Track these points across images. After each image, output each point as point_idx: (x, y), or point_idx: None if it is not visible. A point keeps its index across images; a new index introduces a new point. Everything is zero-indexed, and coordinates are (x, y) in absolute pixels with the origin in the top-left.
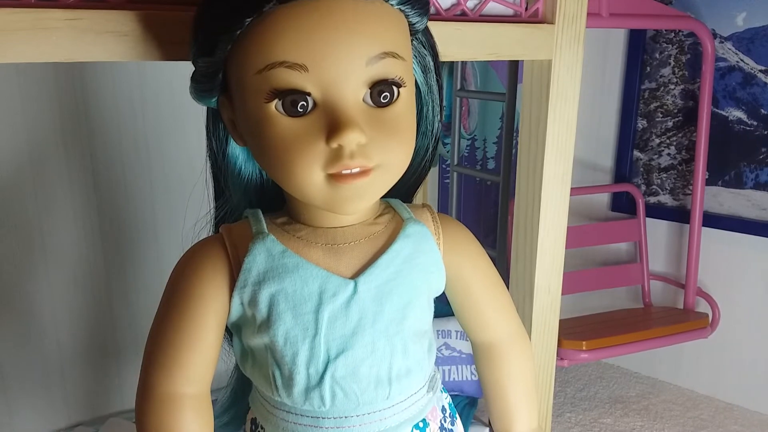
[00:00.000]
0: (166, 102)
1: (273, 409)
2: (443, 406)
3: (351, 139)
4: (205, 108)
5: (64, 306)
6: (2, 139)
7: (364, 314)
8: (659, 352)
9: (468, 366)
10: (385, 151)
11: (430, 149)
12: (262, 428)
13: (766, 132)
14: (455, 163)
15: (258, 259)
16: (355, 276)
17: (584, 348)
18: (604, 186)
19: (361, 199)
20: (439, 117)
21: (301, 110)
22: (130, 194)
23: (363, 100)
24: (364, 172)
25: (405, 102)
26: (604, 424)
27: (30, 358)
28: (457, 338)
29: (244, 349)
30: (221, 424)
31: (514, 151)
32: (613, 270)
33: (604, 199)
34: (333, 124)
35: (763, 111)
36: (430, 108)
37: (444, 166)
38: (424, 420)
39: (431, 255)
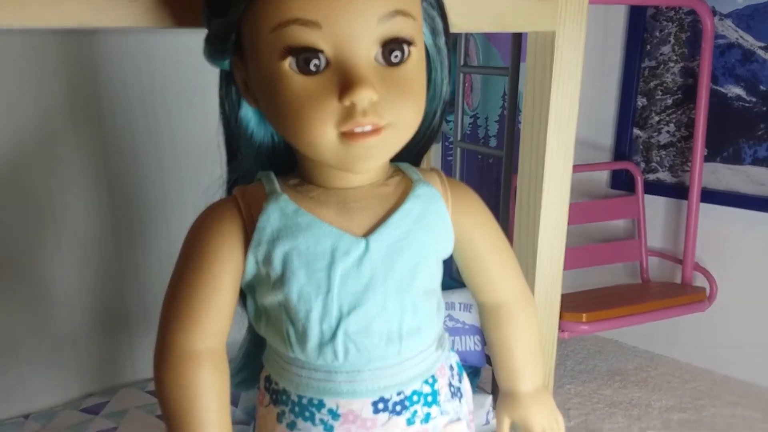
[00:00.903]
0: (174, 74)
1: (287, 365)
2: (451, 364)
3: (363, 97)
4: (215, 75)
5: (75, 278)
6: (11, 113)
7: (375, 272)
8: (657, 326)
9: (471, 336)
10: (396, 110)
11: (438, 113)
12: (276, 384)
13: (764, 108)
14: (458, 139)
15: (272, 218)
16: (366, 235)
17: (584, 320)
18: (603, 164)
19: (373, 157)
20: (447, 80)
21: (314, 69)
22: (139, 166)
23: (375, 58)
24: (375, 131)
25: (415, 61)
26: (603, 395)
27: (42, 330)
28: (460, 310)
29: (257, 309)
30: (235, 384)
31: (517, 127)
32: (611, 246)
33: (603, 176)
34: (346, 82)
35: (762, 87)
36: (438, 71)
37: (447, 143)
38: (433, 376)
39: (440, 216)
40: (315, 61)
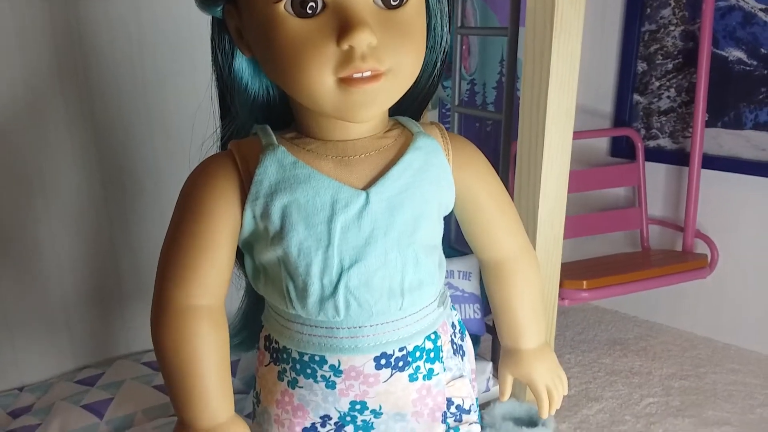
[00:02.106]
0: (163, 41)
1: (287, 322)
2: (453, 322)
3: (362, 40)
4: (205, 36)
5: (66, 250)
6: None
7: (376, 225)
8: (657, 296)
9: (471, 305)
10: (396, 55)
11: (438, 64)
12: (276, 343)
13: (765, 72)
14: (456, 104)
15: (269, 170)
16: (366, 187)
17: (585, 287)
18: (603, 130)
19: (372, 105)
20: (447, 29)
21: (311, 11)
22: (129, 136)
23: (373, 1)
24: (375, 77)
25: (415, 6)
26: (603, 364)
27: (35, 303)
28: (459, 278)
29: (255, 267)
30: (233, 345)
31: (516, 95)
32: (611, 215)
33: (603, 144)
34: (344, 25)
35: (762, 50)
36: (438, 20)
37: (444, 110)
38: (435, 332)
39: (441, 169)
40: (311, 3)
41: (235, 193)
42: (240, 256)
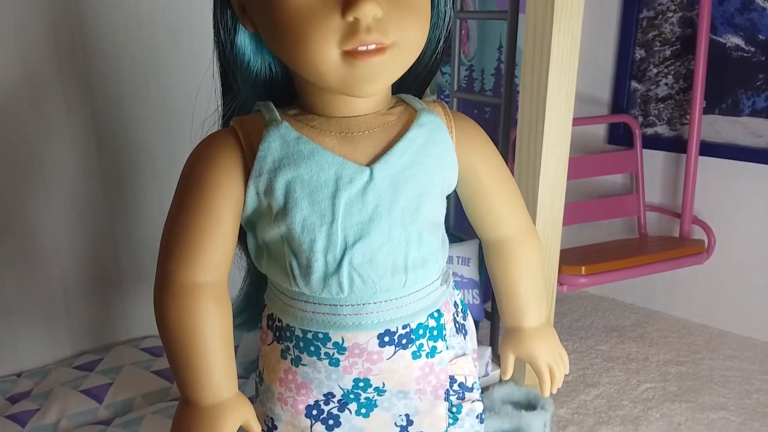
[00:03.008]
0: (162, 20)
1: (291, 300)
2: (455, 301)
3: (367, 12)
4: (206, 17)
5: (65, 235)
6: None
7: (380, 201)
8: (653, 283)
9: (470, 290)
10: (401, 28)
11: (441, 41)
12: (279, 321)
13: (763, 58)
14: (455, 89)
15: (273, 146)
16: (370, 163)
17: (583, 273)
18: (601, 117)
19: (377, 79)
20: (450, 6)
21: None
22: (127, 120)
23: None
24: (380, 50)
25: None
26: (600, 350)
27: (33, 288)
28: (458, 264)
29: (258, 246)
30: (236, 325)
31: (516, 80)
32: (609, 201)
33: (600, 132)
34: None
35: (760, 36)
36: None
37: (442, 96)
38: (438, 311)
39: (445, 146)
40: None
41: (238, 169)
42: (242, 235)
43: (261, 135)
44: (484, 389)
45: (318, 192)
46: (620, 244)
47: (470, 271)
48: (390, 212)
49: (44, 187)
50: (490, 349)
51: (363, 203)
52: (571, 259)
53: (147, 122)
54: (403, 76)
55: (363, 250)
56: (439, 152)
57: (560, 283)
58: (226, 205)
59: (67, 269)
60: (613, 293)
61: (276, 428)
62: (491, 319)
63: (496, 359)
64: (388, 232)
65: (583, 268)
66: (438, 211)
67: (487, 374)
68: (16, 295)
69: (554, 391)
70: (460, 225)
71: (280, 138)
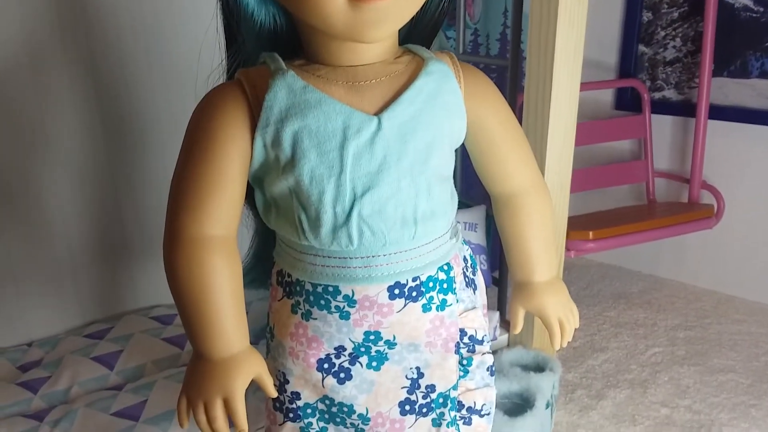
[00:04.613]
0: None
1: (300, 254)
2: (465, 256)
3: None
4: None
5: (70, 204)
6: None
7: (388, 151)
8: (661, 250)
9: (478, 256)
10: None
11: None
12: (289, 276)
13: None
14: (460, 52)
15: (279, 95)
16: (378, 113)
17: (591, 237)
18: (608, 81)
19: (384, 23)
20: None
21: None
22: (130, 85)
23: None
24: None
25: None
26: (608, 317)
27: (40, 259)
28: (465, 229)
29: (266, 201)
30: (246, 284)
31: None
32: (617, 168)
33: (608, 98)
34: None
35: None
36: None
37: None
38: (448, 264)
39: (453, 96)
40: None
41: (244, 121)
42: (249, 193)
43: (267, 85)
44: (493, 353)
45: (326, 142)
46: (628, 210)
47: (477, 237)
48: (398, 163)
49: (48, 157)
50: (498, 313)
51: (371, 153)
52: (578, 225)
53: (149, 84)
54: (408, 29)
55: (372, 201)
56: (447, 101)
57: (568, 249)
58: (233, 157)
59: (73, 238)
60: (619, 261)
61: (288, 382)
62: (499, 285)
63: (505, 324)
64: (396, 183)
65: (590, 233)
66: (447, 163)
67: (495, 338)
68: (24, 265)
69: (564, 345)
70: (466, 191)
71: (286, 87)
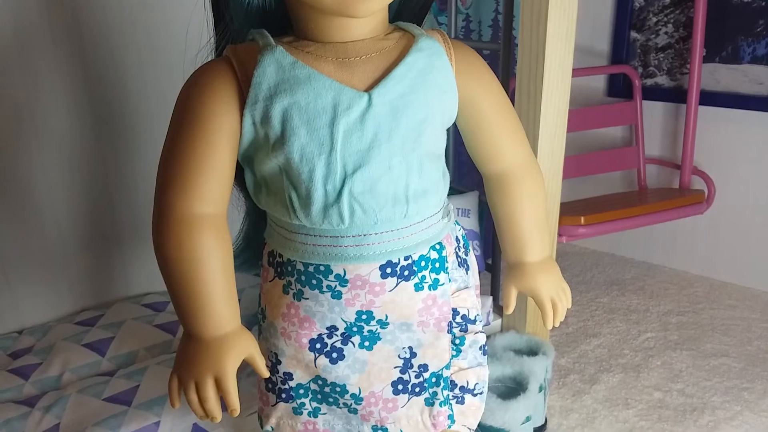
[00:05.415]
0: None
1: (291, 234)
2: (457, 236)
3: None
4: None
5: (61, 192)
6: None
7: (379, 129)
8: (653, 237)
9: (471, 242)
10: None
11: None
12: (280, 257)
13: (764, 3)
14: (452, 37)
15: (268, 71)
16: (369, 89)
17: (582, 223)
18: (600, 67)
19: None
20: None
21: None
22: (119, 68)
23: None
24: None
25: None
26: (601, 303)
27: (31, 246)
28: (458, 215)
29: (257, 182)
30: (237, 266)
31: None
32: (608, 154)
33: (599, 84)
34: None
35: None
36: None
37: None
38: (440, 243)
39: (444, 72)
40: None
41: (233, 98)
42: (239, 174)
43: (256, 61)
44: (486, 338)
45: (316, 119)
46: (620, 196)
47: (470, 222)
48: (390, 140)
49: (36, 140)
50: (491, 298)
51: (362, 131)
52: (570, 210)
53: (138, 67)
54: (398, 6)
55: (363, 179)
56: (438, 78)
57: (559, 234)
58: (222, 135)
59: (63, 226)
60: (612, 248)
61: (280, 363)
62: (492, 271)
63: (498, 309)
64: (388, 161)
65: (582, 218)
66: (438, 142)
67: (488, 323)
68: (13, 253)
69: (557, 325)
70: (459, 178)
71: (275, 63)
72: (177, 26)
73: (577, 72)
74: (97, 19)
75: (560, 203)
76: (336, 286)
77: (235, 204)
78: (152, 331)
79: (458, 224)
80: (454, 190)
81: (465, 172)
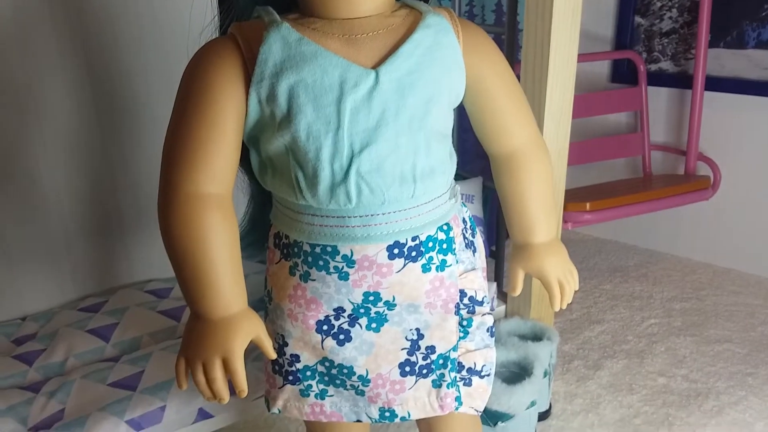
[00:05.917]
0: None
1: (297, 215)
2: (464, 218)
3: None
4: None
5: (64, 178)
6: None
7: (386, 107)
8: (656, 224)
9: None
10: None
11: None
12: (286, 238)
13: None
14: None
15: (274, 47)
16: (376, 66)
17: (588, 209)
18: (605, 53)
19: None
20: None
21: None
22: (122, 49)
23: None
24: None
25: None
26: (604, 290)
27: (34, 233)
28: (464, 200)
29: (262, 162)
30: (242, 248)
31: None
32: (613, 140)
33: (603, 70)
34: None
35: None
36: None
37: None
38: (447, 224)
39: (451, 49)
40: None
41: (238, 75)
42: (244, 155)
43: (261, 38)
44: None
45: (322, 96)
46: (625, 182)
47: (474, 208)
48: (397, 118)
49: (39, 131)
50: (495, 284)
51: (369, 109)
52: (575, 197)
53: (142, 48)
54: None
55: (370, 157)
56: (446, 56)
57: (565, 221)
58: (227, 113)
59: (66, 212)
60: (616, 235)
61: (287, 345)
62: (496, 257)
63: (502, 295)
64: (395, 140)
65: (587, 204)
66: (446, 121)
67: (493, 309)
68: (17, 240)
69: (564, 306)
70: (463, 164)
71: (281, 39)
72: (181, 3)
73: (581, 57)
74: (101, 4)
75: (566, 189)
76: (343, 267)
77: (240, 186)
78: (156, 317)
79: (464, 206)
80: (457, 176)
81: (468, 158)
